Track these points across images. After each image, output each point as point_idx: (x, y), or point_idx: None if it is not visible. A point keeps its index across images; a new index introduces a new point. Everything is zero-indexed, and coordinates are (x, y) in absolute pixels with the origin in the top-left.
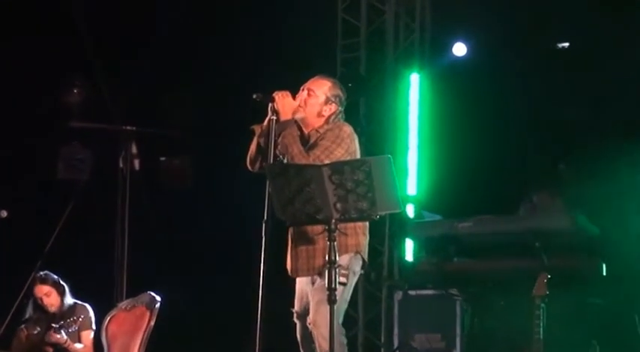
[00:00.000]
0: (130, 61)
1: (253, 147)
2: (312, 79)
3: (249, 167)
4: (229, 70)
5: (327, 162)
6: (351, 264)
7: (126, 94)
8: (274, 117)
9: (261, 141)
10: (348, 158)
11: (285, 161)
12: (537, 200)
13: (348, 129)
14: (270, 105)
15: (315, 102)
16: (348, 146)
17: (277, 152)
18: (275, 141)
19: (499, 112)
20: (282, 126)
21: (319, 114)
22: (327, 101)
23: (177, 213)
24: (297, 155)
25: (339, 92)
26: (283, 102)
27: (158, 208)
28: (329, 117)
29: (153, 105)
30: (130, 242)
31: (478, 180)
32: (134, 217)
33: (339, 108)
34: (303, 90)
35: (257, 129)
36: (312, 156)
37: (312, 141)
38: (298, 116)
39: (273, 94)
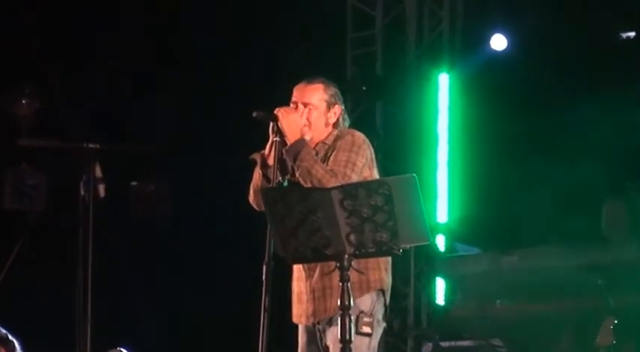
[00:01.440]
0: (92, 62)
1: (257, 179)
2: (297, 90)
3: (254, 204)
4: (217, 74)
5: (354, 177)
6: (375, 308)
7: (88, 105)
8: (277, 139)
9: (267, 171)
10: (367, 170)
11: (286, 183)
12: (607, 212)
13: (360, 133)
14: (271, 124)
15: (318, 115)
16: (365, 153)
17: (279, 176)
18: (283, 166)
19: (548, 119)
20: (293, 149)
21: (327, 125)
22: (330, 105)
23: (153, 250)
24: (324, 176)
25: (334, 88)
26: (289, 120)
27: (129, 244)
28: (336, 122)
29: (122, 117)
30: (94, 286)
31: (523, 203)
32: (99, 255)
33: (342, 106)
34: (295, 106)
35: (257, 158)
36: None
37: (321, 155)
38: (307, 136)
39: (276, 112)
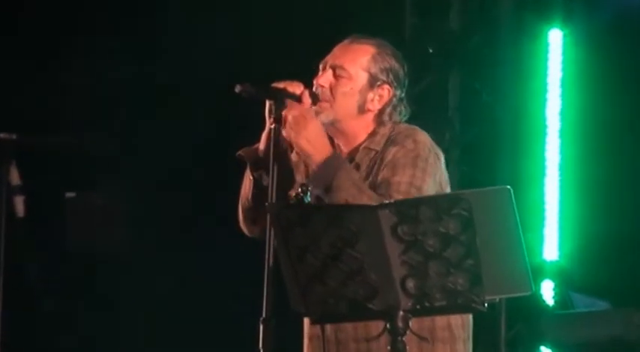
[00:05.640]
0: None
1: (247, 190)
2: (338, 47)
3: (244, 228)
4: (187, 33)
5: None
6: None
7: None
8: (276, 126)
9: (261, 175)
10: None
11: (308, 198)
12: None
13: (426, 138)
14: (268, 104)
15: (348, 88)
16: (434, 171)
17: (297, 186)
18: (284, 165)
19: None
20: (323, 173)
21: (362, 110)
22: (373, 82)
23: (93, 293)
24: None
25: (394, 61)
26: (305, 133)
27: (59, 280)
28: (381, 112)
29: (51, 98)
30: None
31: None
32: (15, 293)
33: (397, 91)
34: (324, 69)
35: (248, 155)
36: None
37: (364, 166)
38: (324, 118)
39: (274, 85)
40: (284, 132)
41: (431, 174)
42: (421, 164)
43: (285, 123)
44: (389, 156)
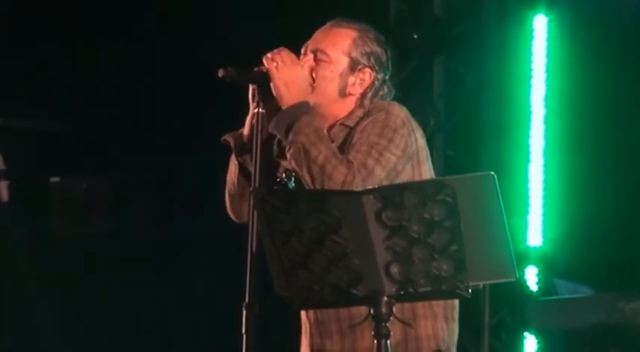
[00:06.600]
0: None
1: (232, 175)
2: (319, 31)
3: (231, 212)
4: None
5: (381, 174)
6: None
7: None
8: (260, 110)
9: (246, 160)
10: (408, 167)
11: (292, 184)
12: None
13: (400, 111)
14: (251, 88)
15: (330, 75)
16: (404, 142)
17: (281, 172)
18: (267, 147)
19: None
20: (286, 115)
21: (343, 94)
22: (354, 66)
23: (78, 283)
24: (330, 161)
25: (375, 46)
26: (288, 74)
27: (45, 272)
28: (362, 95)
29: (37, 79)
30: None
31: None
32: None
33: (379, 75)
34: (305, 53)
35: (232, 140)
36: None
37: (338, 142)
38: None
39: (257, 69)
40: (266, 63)
41: (399, 145)
42: (388, 133)
43: (274, 55)
44: (359, 128)
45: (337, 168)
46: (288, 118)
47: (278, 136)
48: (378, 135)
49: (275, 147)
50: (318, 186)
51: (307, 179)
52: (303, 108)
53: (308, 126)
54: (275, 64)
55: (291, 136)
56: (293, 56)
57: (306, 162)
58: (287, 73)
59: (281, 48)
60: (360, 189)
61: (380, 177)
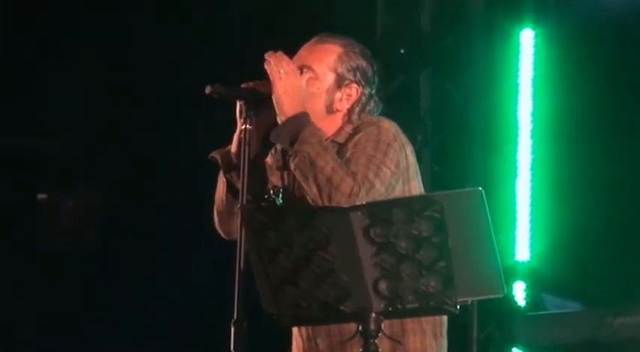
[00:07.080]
0: None
1: (221, 193)
2: (304, 47)
3: (220, 229)
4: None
5: (380, 188)
6: None
7: None
8: (248, 126)
9: (233, 177)
10: (399, 184)
11: (280, 200)
12: None
13: (390, 126)
14: (238, 105)
15: (315, 88)
16: (396, 157)
17: (269, 188)
18: (255, 163)
19: None
20: (290, 125)
21: (330, 110)
22: (340, 82)
23: (69, 301)
24: (337, 173)
25: (361, 61)
26: (289, 84)
27: (32, 290)
28: (349, 111)
29: (17, 89)
30: None
31: None
32: None
33: (366, 90)
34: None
35: (219, 157)
36: None
37: None
38: None
39: (245, 85)
40: (269, 70)
41: (393, 159)
42: (383, 147)
43: (277, 63)
44: (352, 144)
45: (344, 179)
46: (292, 128)
47: (275, 148)
48: (374, 148)
49: (279, 156)
50: (324, 197)
51: (313, 189)
52: (305, 119)
53: (312, 136)
54: (279, 74)
55: (296, 146)
56: (294, 66)
57: (313, 172)
58: (290, 84)
59: (280, 53)
60: (362, 202)
61: (380, 191)
